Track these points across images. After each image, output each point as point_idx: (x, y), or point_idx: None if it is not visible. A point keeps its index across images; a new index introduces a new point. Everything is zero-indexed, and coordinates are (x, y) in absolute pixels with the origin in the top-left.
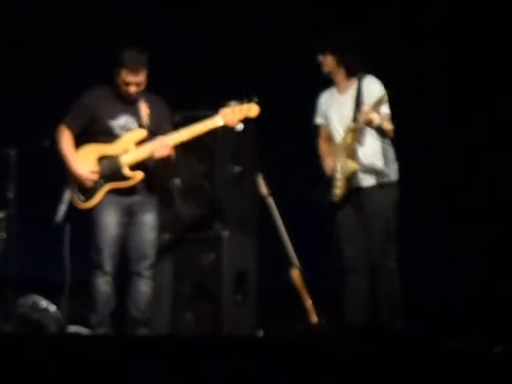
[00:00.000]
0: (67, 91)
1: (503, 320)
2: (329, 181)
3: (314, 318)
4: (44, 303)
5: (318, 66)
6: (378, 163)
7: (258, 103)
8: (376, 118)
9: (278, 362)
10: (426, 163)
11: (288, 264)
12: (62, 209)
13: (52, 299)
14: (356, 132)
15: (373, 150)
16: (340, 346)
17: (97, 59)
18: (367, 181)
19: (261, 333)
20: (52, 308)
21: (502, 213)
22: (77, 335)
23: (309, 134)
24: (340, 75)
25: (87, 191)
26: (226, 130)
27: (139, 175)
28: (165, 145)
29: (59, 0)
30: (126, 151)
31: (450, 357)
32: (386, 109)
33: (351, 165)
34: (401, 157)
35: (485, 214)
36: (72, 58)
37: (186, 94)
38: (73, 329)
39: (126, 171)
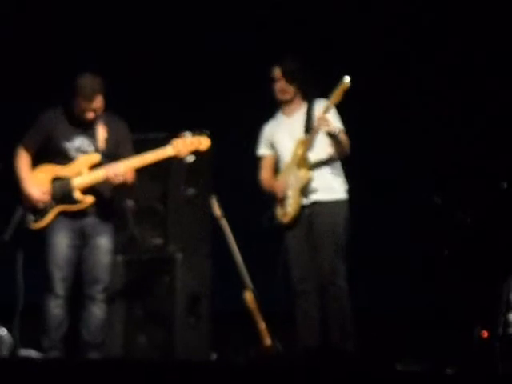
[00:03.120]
0: (20, 114)
1: (456, 343)
2: (274, 206)
3: (268, 341)
4: None
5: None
6: (328, 168)
7: (210, 136)
8: (331, 123)
9: None
10: (380, 181)
11: (241, 286)
12: (12, 226)
13: (2, 323)
14: (307, 142)
15: (322, 154)
16: (293, 368)
17: (44, 79)
18: (318, 195)
19: (214, 356)
20: (3, 332)
21: (454, 235)
22: (28, 359)
23: None
24: (295, 100)
25: (38, 212)
26: (176, 160)
27: (89, 199)
28: (118, 172)
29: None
30: (78, 174)
31: (402, 378)
32: (339, 124)
33: (304, 173)
34: (358, 173)
35: (439, 235)
36: (19, 78)
37: (138, 116)
38: (24, 352)
39: (77, 194)
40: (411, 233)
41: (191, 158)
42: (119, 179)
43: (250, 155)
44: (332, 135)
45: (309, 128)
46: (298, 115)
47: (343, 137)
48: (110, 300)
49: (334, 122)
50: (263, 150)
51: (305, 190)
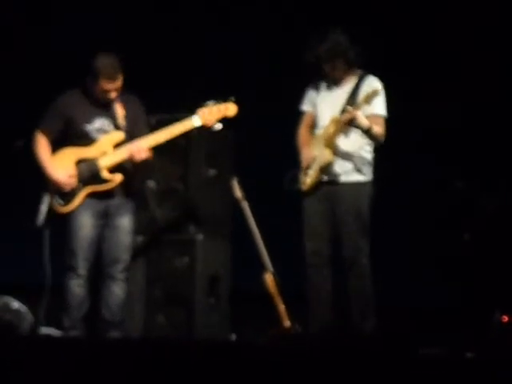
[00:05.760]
0: (39, 91)
1: (476, 327)
2: (299, 170)
3: (287, 323)
4: (16, 304)
5: (295, 66)
6: (357, 158)
7: (236, 102)
8: (359, 118)
9: (250, 366)
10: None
11: (261, 268)
12: (43, 212)
13: (24, 301)
14: (339, 125)
15: (355, 144)
16: (312, 350)
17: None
18: (345, 176)
19: (233, 337)
20: (24, 309)
21: (476, 220)
22: (49, 337)
23: (285, 137)
24: (342, 72)
25: (66, 195)
26: (203, 130)
27: (118, 177)
28: (142, 148)
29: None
30: (104, 154)
31: (421, 361)
32: (380, 110)
33: (328, 155)
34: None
35: (460, 220)
36: (40, 58)
37: (162, 96)
38: (45, 330)
39: (105, 174)
40: (430, 217)
41: (219, 126)
42: (142, 155)
43: (271, 138)
44: (362, 130)
45: (350, 105)
46: (345, 87)
47: (376, 131)
48: (129, 280)
49: (377, 108)
50: (305, 106)
51: (325, 169)
